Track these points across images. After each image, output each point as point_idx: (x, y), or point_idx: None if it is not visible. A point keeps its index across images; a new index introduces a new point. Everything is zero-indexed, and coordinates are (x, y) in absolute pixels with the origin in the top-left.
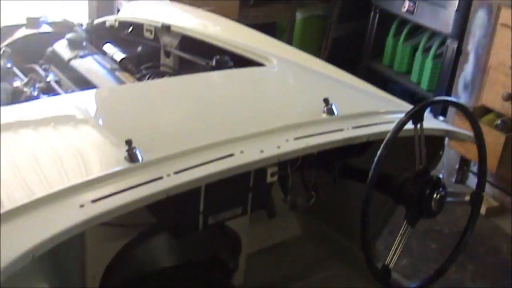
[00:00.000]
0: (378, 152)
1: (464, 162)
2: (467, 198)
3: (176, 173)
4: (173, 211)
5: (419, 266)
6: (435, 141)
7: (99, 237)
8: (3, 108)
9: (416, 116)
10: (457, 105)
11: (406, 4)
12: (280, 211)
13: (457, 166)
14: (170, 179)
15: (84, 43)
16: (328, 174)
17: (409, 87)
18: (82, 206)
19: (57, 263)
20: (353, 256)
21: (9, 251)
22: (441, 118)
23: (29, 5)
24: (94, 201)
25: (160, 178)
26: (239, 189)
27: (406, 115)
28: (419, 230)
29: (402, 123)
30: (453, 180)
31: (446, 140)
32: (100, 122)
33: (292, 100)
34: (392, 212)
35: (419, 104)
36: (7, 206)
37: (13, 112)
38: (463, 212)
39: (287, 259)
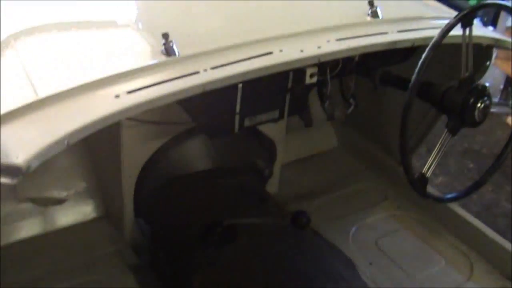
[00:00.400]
0: (423, 55)
1: (509, 82)
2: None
3: (213, 68)
4: (209, 110)
5: (455, 184)
6: (483, 52)
7: (135, 137)
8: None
9: (465, 20)
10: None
11: None
12: (318, 121)
13: (501, 87)
14: (207, 74)
15: None
16: (369, 81)
17: (458, 3)
18: (117, 96)
19: (94, 163)
20: (389, 168)
21: (44, 136)
22: (490, 28)
23: None
24: (129, 92)
25: (197, 72)
26: (276, 90)
27: (455, 17)
28: (458, 150)
29: (451, 25)
30: (497, 100)
31: (494, 53)
32: (138, 18)
33: (336, 1)
34: (433, 125)
35: (470, 6)
36: (43, 93)
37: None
38: (503, 134)
39: (322, 170)
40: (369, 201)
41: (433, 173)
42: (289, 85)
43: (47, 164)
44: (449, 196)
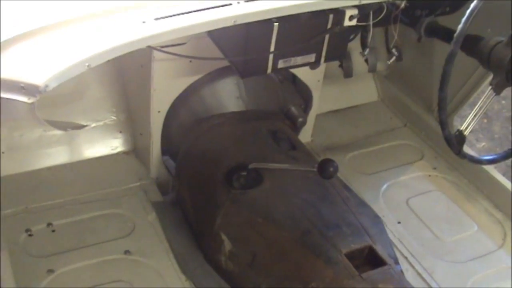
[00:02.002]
0: (473, 3)
1: None
2: None
3: (247, 1)
4: (241, 48)
5: (498, 150)
6: None
7: (167, 71)
8: None
9: None
10: None
11: None
12: (358, 73)
13: None
14: (240, 6)
15: None
16: (414, 32)
17: None
18: (144, 22)
19: (125, 96)
20: (429, 126)
21: (65, 57)
22: None
23: None
24: (157, 19)
25: (229, 4)
26: (314, 31)
27: None
28: (505, 115)
29: None
30: None
31: None
32: None
33: None
34: (479, 85)
35: None
36: (69, 15)
37: None
38: None
39: (358, 123)
40: (404, 159)
41: (476, 138)
42: (327, 27)
43: (78, 92)
44: (486, 157)
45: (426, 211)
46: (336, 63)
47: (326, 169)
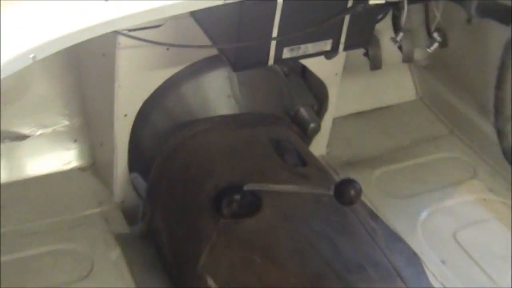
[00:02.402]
0: None
1: None
2: None
3: None
4: (234, 32)
5: None
6: None
7: (136, 63)
8: None
9: None
10: None
11: None
12: (389, 63)
13: None
14: None
15: None
16: (462, 10)
17: None
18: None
19: (82, 95)
20: (483, 134)
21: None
22: None
23: None
24: None
25: None
26: (330, 10)
27: None
28: None
29: None
30: None
31: None
32: None
33: None
34: None
35: None
36: None
37: None
38: None
39: (390, 129)
40: (451, 178)
41: None
42: (349, 4)
43: (18, 89)
44: None
45: (479, 247)
46: (359, 51)
47: (345, 192)
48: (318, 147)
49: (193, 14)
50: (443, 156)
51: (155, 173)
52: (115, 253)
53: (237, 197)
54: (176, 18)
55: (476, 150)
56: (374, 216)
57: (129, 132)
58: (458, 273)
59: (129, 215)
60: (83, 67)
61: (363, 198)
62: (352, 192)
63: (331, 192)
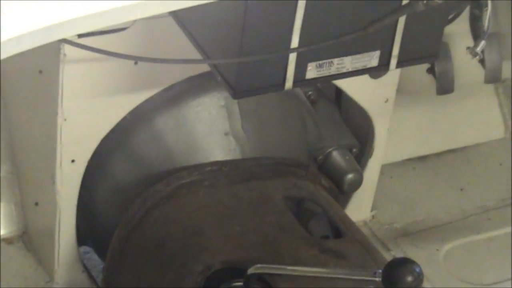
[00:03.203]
0: None
1: None
2: None
3: None
4: (236, 40)
5: None
6: None
7: (88, 85)
8: None
9: None
10: None
11: None
12: (465, 85)
13: None
14: None
15: None
16: None
17: None
18: None
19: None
20: None
21: None
22: None
23: None
24: None
25: None
26: (375, 10)
27: None
28: None
29: None
30: None
31: None
32: None
33: None
34: None
35: None
36: None
37: None
38: None
39: (465, 182)
40: None
41: None
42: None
43: None
44: None
45: None
46: (420, 68)
47: (399, 278)
48: (360, 209)
49: (174, 13)
50: None
51: (116, 248)
52: None
53: (238, 284)
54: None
55: None
56: None
57: (78, 186)
58: None
59: None
60: (7, 92)
61: (426, 285)
62: (409, 279)
63: (378, 278)
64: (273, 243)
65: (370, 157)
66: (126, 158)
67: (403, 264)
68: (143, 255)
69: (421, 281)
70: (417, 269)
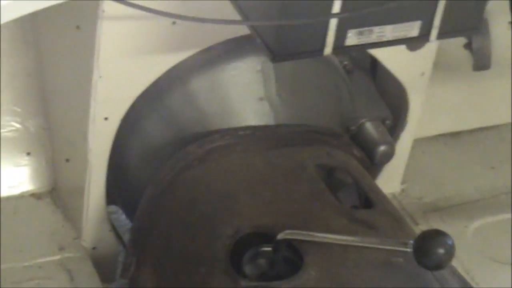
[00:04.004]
0: None
1: None
2: None
3: None
4: (276, 4)
5: None
6: None
7: (125, 44)
8: None
9: None
10: None
11: None
12: (500, 62)
13: None
14: None
15: None
16: None
17: None
18: None
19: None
20: None
21: None
22: None
23: None
24: None
25: None
26: None
27: None
28: None
29: None
30: None
31: None
32: None
33: None
34: None
35: None
36: None
37: None
38: None
39: (498, 160)
40: None
41: None
42: None
43: None
44: None
45: None
46: (458, 43)
47: (431, 249)
48: (390, 181)
49: None
50: None
51: (145, 209)
52: None
53: (267, 249)
54: None
55: None
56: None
57: (110, 145)
58: None
59: (104, 268)
60: (43, 47)
61: (453, 262)
62: (441, 251)
63: (409, 249)
64: (304, 210)
65: (403, 130)
66: (159, 119)
67: (436, 236)
68: (173, 216)
69: (452, 254)
70: (449, 242)
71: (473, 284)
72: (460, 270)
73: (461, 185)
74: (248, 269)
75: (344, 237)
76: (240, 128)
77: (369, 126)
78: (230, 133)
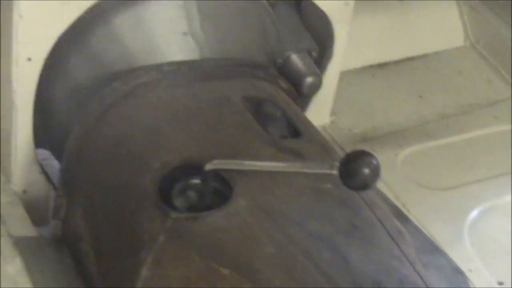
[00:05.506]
0: None
1: None
2: None
3: None
4: None
5: None
6: None
7: None
8: None
9: None
10: None
11: None
12: None
13: None
14: None
15: None
16: None
17: None
18: None
19: None
20: None
21: None
22: None
23: None
24: None
25: None
26: None
27: None
28: None
29: None
30: None
31: None
32: None
33: None
34: None
35: None
36: None
37: None
38: None
39: (424, 90)
40: None
41: None
42: None
43: None
44: None
45: None
46: None
47: (355, 170)
48: (319, 114)
49: None
50: (504, 129)
51: (73, 148)
52: (14, 266)
53: (195, 181)
54: None
55: None
56: (400, 215)
57: (35, 86)
58: None
59: (35, 211)
60: None
61: (384, 189)
62: (367, 171)
63: (335, 171)
64: (231, 141)
65: (329, 61)
66: (83, 58)
67: (361, 156)
68: (101, 154)
69: (378, 174)
70: (375, 162)
71: (403, 210)
72: (390, 196)
73: (389, 115)
74: (178, 202)
75: (272, 164)
76: (165, 64)
77: (295, 58)
78: (155, 68)
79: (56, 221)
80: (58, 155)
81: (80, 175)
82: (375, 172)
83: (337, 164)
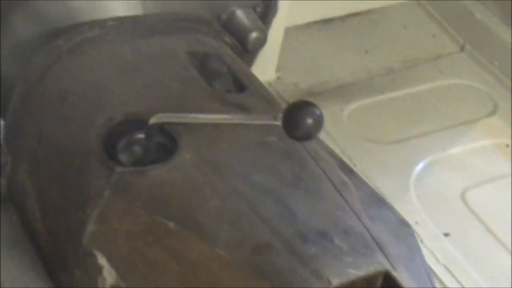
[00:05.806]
0: None
1: None
2: None
3: None
4: None
5: None
6: None
7: None
8: None
9: None
10: None
11: None
12: None
13: None
14: None
15: None
16: None
17: None
18: None
19: None
20: (502, 51)
21: None
22: None
23: None
24: None
25: None
26: None
27: None
28: None
29: None
30: None
31: None
32: None
33: None
34: None
35: None
36: None
37: None
38: None
39: (370, 45)
40: (460, 114)
41: None
42: None
43: None
44: None
45: (498, 213)
46: None
47: (298, 120)
48: (265, 70)
49: None
50: (450, 83)
51: (17, 106)
52: None
53: (140, 135)
54: None
55: (497, 75)
56: (345, 168)
57: None
58: (468, 251)
59: None
60: None
61: (330, 144)
62: (309, 121)
63: (278, 122)
64: (176, 96)
65: (274, 16)
66: (26, 15)
67: (303, 106)
68: (45, 111)
69: (321, 123)
70: (317, 112)
71: (350, 164)
72: (337, 151)
73: (336, 70)
74: (123, 157)
75: (216, 116)
76: (108, 19)
77: (240, 14)
78: (99, 24)
79: (1, 179)
80: (1, 112)
81: (25, 131)
82: (318, 122)
83: (280, 115)
